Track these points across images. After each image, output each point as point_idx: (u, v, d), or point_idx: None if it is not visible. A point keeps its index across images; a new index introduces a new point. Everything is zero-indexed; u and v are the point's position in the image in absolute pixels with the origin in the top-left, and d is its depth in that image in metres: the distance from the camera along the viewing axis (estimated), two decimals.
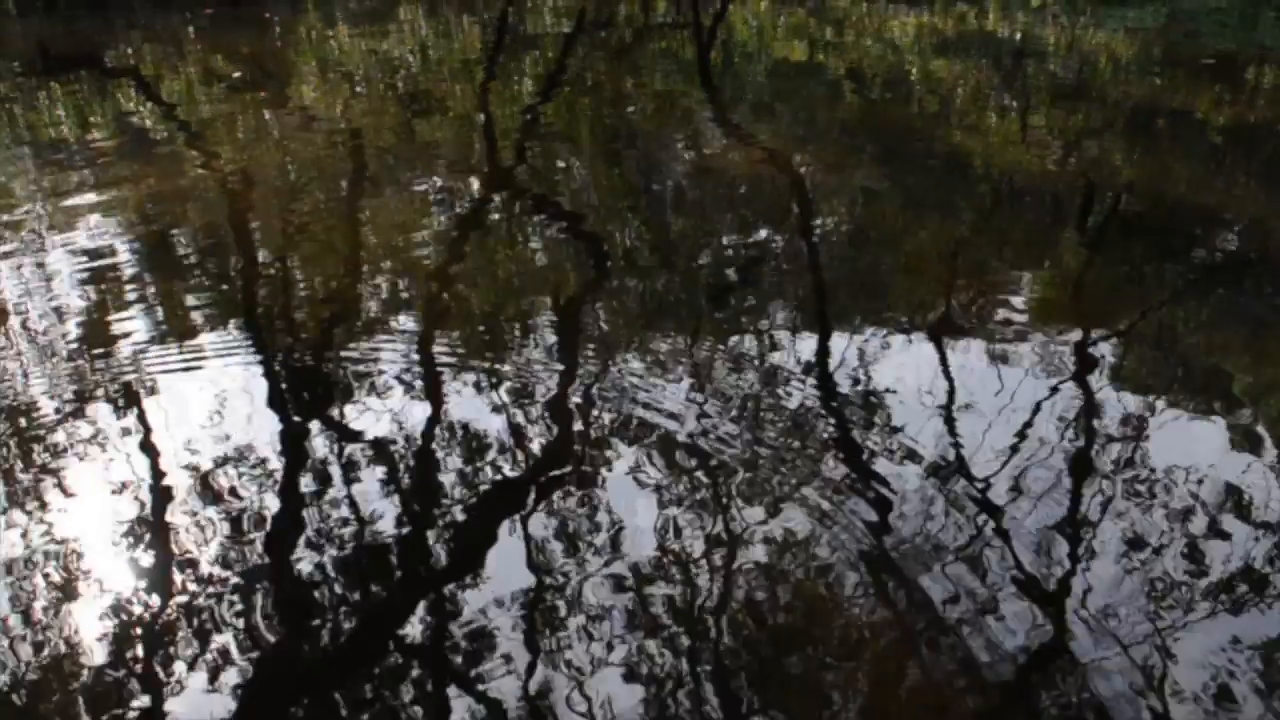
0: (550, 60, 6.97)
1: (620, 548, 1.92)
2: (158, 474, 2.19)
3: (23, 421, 2.41)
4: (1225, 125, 4.95)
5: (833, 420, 2.36)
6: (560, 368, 2.64)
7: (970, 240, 3.57)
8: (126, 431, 2.36)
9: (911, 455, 2.20)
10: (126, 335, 2.84)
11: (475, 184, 4.30)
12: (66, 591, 1.83)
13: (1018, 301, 2.99)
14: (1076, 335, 2.77)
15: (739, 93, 5.96)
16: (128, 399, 2.51)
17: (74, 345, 2.79)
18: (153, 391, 2.54)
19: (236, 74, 6.49)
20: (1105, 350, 2.69)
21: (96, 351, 2.75)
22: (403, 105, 5.63)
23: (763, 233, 3.61)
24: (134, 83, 6.38)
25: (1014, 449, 2.21)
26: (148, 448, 2.30)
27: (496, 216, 3.94)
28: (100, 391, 2.54)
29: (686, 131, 5.12)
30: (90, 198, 4.02)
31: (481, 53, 7.39)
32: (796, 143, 4.85)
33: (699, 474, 2.14)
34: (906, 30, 7.61)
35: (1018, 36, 7.34)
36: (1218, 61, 6.77)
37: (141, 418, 2.42)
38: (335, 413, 2.43)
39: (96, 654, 1.67)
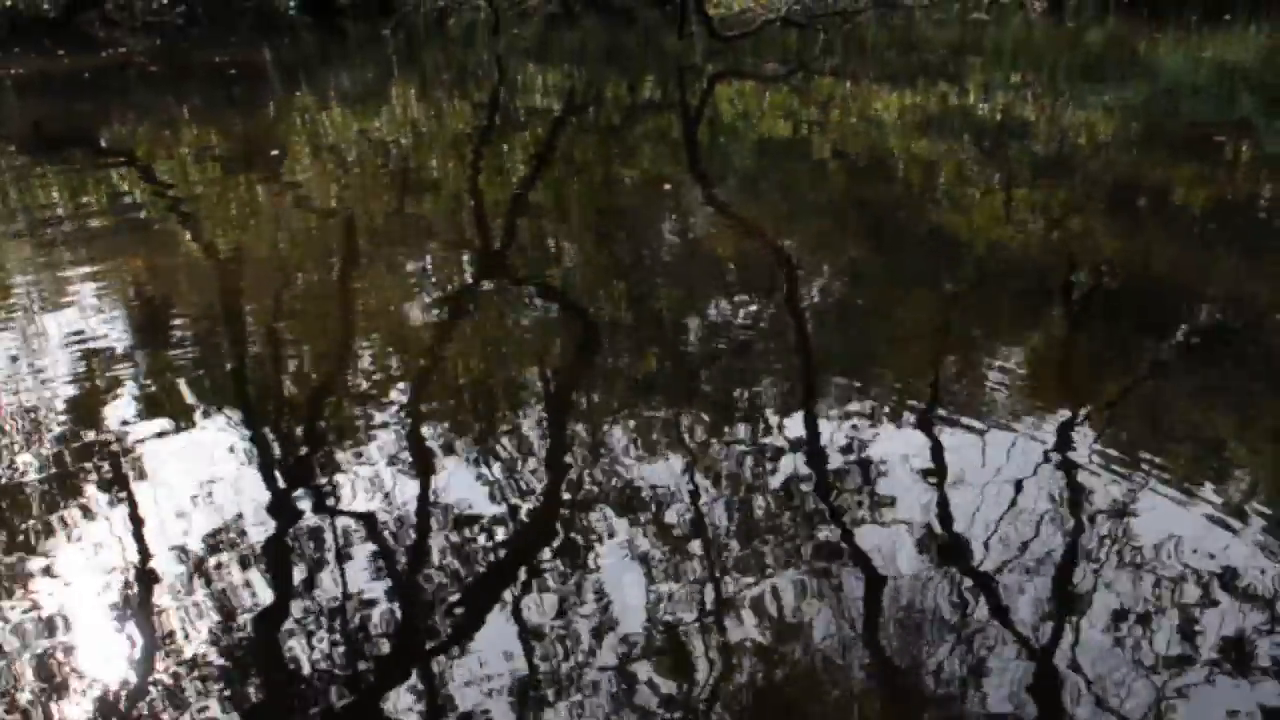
0: (540, 139, 7.10)
1: (609, 624, 1.89)
2: (144, 550, 2.17)
3: (7, 497, 2.38)
4: (1205, 200, 5.05)
5: (821, 495, 2.36)
6: (548, 443, 2.64)
7: (955, 315, 3.61)
8: (113, 506, 2.33)
9: (901, 529, 2.19)
10: (115, 410, 2.83)
11: (464, 261, 4.34)
12: (48, 672, 1.79)
13: (1004, 376, 3.01)
14: (1063, 409, 2.79)
15: (725, 170, 6.06)
16: (115, 474, 2.49)
17: (62, 420, 2.78)
18: (140, 466, 2.52)
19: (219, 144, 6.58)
20: (1092, 424, 2.70)
21: (84, 426, 2.74)
22: (393, 184, 5.71)
23: (750, 308, 3.65)
24: (127, 161, 6.46)
25: (1003, 523, 2.21)
26: (134, 523, 2.28)
27: (485, 293, 3.96)
28: (87, 466, 2.52)
29: (674, 209, 5.19)
30: (81, 275, 4.04)
31: (472, 132, 7.52)
32: (783, 219, 4.92)
33: (688, 549, 2.13)
34: (889, 108, 7.78)
35: (998, 114, 7.51)
36: (1197, 136, 6.93)
37: (128, 493, 2.40)
38: (323, 488, 2.41)
39: None
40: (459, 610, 1.96)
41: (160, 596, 2.01)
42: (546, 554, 2.14)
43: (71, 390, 2.99)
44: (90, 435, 2.70)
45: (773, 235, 4.69)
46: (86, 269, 4.12)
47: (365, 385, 3.02)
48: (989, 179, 5.63)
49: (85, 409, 2.86)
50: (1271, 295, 3.68)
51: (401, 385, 3.01)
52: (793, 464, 2.49)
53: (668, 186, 5.67)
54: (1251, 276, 3.91)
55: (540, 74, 10.84)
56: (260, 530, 2.24)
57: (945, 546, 2.13)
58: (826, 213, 5.06)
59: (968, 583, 2.01)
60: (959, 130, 6.95)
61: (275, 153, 6.71)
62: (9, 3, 12.95)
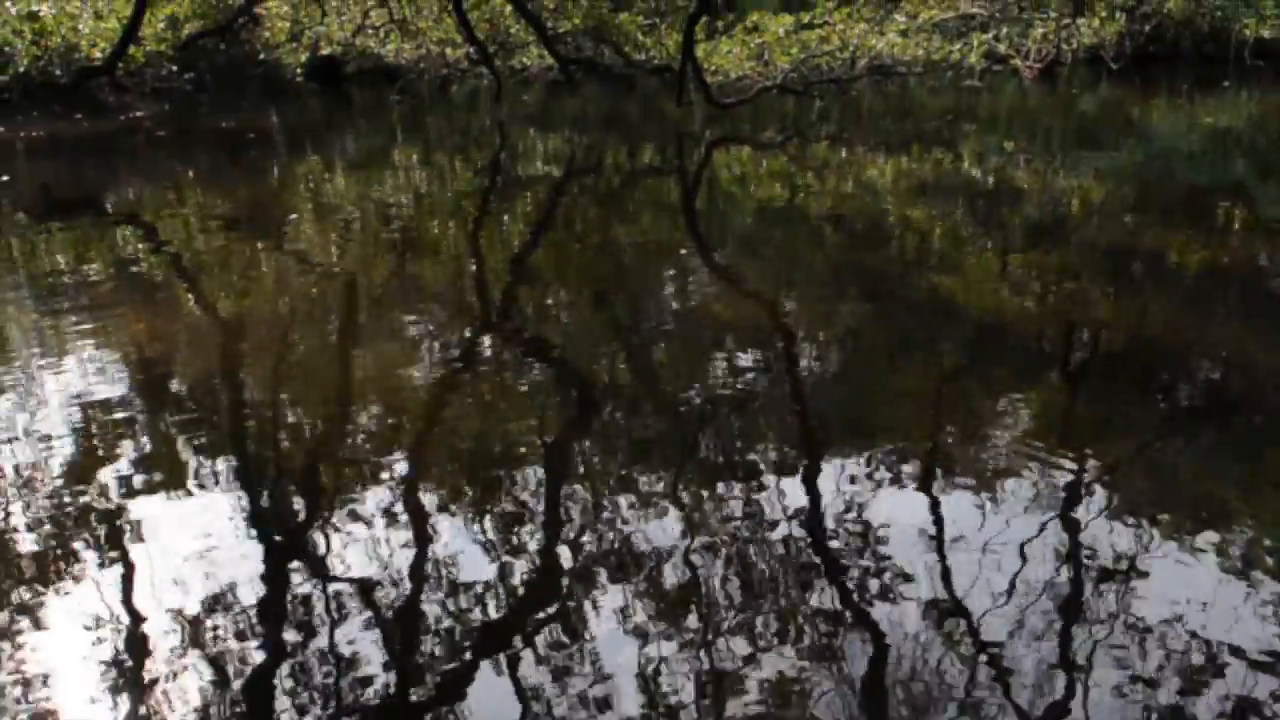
0: (540, 203, 7.18)
1: (607, 693, 1.87)
2: (135, 614, 2.14)
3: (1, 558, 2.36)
4: (1202, 264, 5.09)
5: (822, 558, 2.34)
6: (545, 507, 2.62)
7: (954, 378, 3.62)
8: (105, 568, 2.31)
9: (903, 593, 2.17)
10: (110, 471, 2.82)
11: (464, 324, 4.36)
12: None
13: (1005, 438, 3.01)
14: (1066, 471, 2.78)
15: (724, 234, 6.12)
16: (108, 536, 2.47)
17: (57, 480, 2.77)
18: (134, 529, 2.51)
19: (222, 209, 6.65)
20: (1095, 486, 2.69)
21: (78, 487, 2.72)
22: (395, 247, 5.76)
23: (749, 370, 3.66)
24: (132, 224, 6.52)
25: (1007, 586, 2.19)
26: (125, 585, 2.25)
27: (484, 355, 3.98)
28: (80, 528, 2.50)
29: (673, 272, 5.23)
30: (83, 336, 4.05)
31: (473, 196, 7.61)
32: (780, 282, 4.96)
33: (685, 617, 2.11)
34: (884, 174, 7.89)
35: (993, 179, 7.61)
36: (1193, 200, 7.01)
37: (121, 554, 2.38)
38: (319, 551, 2.40)
39: None
40: (452, 676, 1.93)
41: (152, 661, 1.98)
42: (542, 621, 2.11)
43: (68, 451, 2.98)
44: (84, 496, 2.69)
45: (770, 298, 4.72)
46: (88, 330, 4.14)
47: (362, 448, 3.02)
48: (985, 243, 5.69)
49: (81, 470, 2.85)
50: (1270, 358, 3.70)
51: (399, 448, 3.01)
52: (792, 528, 2.47)
53: (666, 250, 5.72)
54: (1249, 339, 3.93)
55: (541, 140, 10.99)
56: (254, 594, 2.22)
57: (948, 611, 2.11)
58: (824, 276, 5.10)
59: (971, 648, 1.98)
60: (955, 195, 7.03)
61: (279, 216, 6.79)
62: (21, 69, 13.18)
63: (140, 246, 5.84)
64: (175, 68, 13.94)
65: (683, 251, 5.71)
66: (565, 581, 2.25)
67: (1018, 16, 16.76)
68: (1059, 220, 6.21)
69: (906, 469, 2.81)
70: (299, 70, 15.66)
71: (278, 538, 2.50)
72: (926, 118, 12.05)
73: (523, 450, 2.98)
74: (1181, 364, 3.71)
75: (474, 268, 5.39)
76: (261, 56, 15.26)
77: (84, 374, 3.61)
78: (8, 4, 13.65)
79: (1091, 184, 7.40)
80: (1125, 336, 4.01)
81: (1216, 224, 6.12)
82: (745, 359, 3.79)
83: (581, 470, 2.86)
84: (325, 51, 15.84)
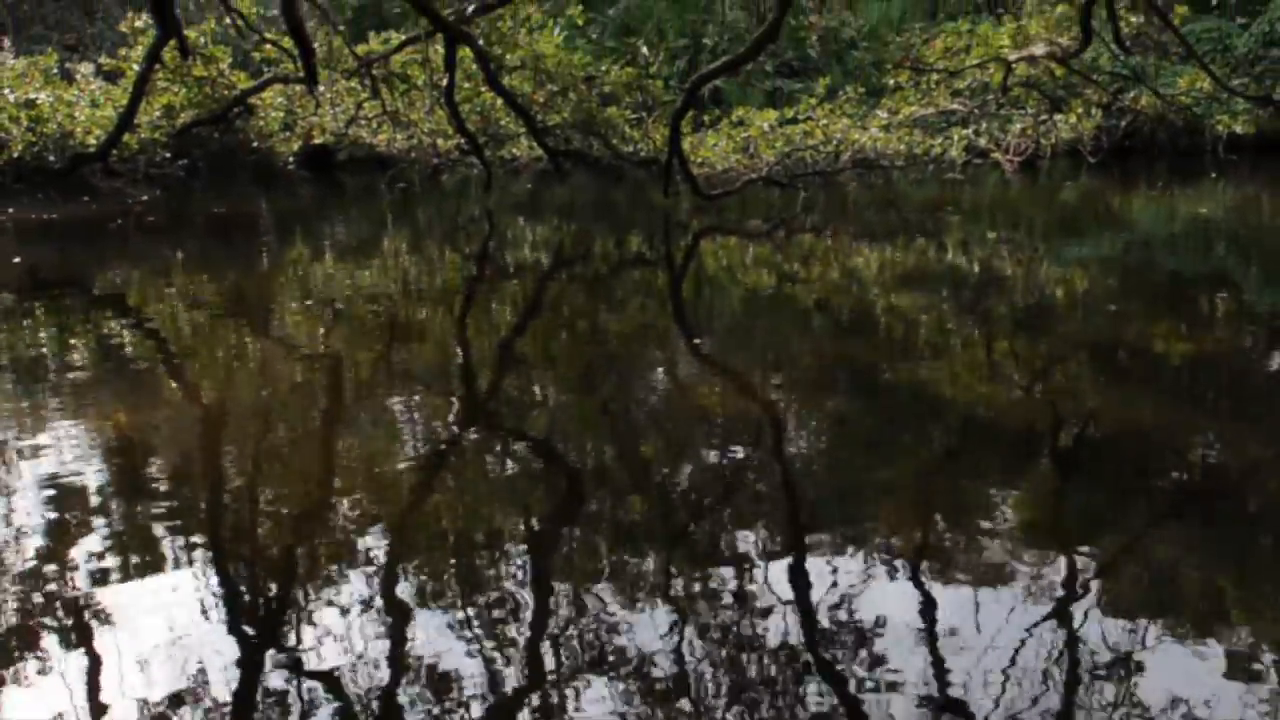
0: (528, 291, 7.21)
1: None
2: (101, 706, 2.05)
3: None
4: (1187, 353, 5.12)
5: (812, 653, 2.27)
6: (527, 597, 2.55)
7: (943, 469, 3.58)
8: (73, 658, 2.22)
9: (895, 689, 2.10)
10: (81, 559, 2.74)
11: (449, 411, 4.32)
12: None
13: (996, 529, 2.96)
14: (1059, 564, 2.73)
15: (710, 323, 6.14)
16: (77, 625, 2.38)
17: (26, 567, 2.68)
18: (104, 618, 2.42)
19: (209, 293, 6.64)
20: (1090, 579, 2.64)
21: (49, 575, 2.63)
22: (380, 334, 5.75)
23: (736, 461, 3.61)
24: (118, 308, 6.50)
25: (1001, 682, 2.12)
26: (94, 676, 2.16)
27: (469, 443, 3.93)
28: (49, 616, 2.41)
29: (659, 360, 5.22)
30: (61, 421, 3.99)
31: (461, 283, 7.64)
32: (767, 371, 4.95)
33: (673, 713, 2.03)
34: (869, 264, 7.97)
35: (976, 269, 7.70)
36: (1175, 288, 7.10)
37: (90, 645, 2.29)
38: (293, 644, 2.31)
39: None
40: None
41: None
42: (524, 717, 2.03)
43: (38, 536, 2.90)
44: (53, 583, 2.60)
45: (757, 386, 4.71)
46: (66, 414, 4.08)
47: (341, 536, 2.94)
48: (971, 332, 5.71)
49: (50, 556, 2.77)
50: (1259, 447, 3.68)
51: (379, 537, 2.93)
52: (781, 622, 2.40)
53: (653, 338, 5.73)
54: (1238, 428, 3.92)
55: (530, 228, 11.12)
56: (226, 686, 2.12)
57: (941, 707, 2.03)
58: (810, 364, 5.10)
59: None
60: (940, 284, 7.09)
61: (265, 301, 6.78)
62: (15, 154, 13.32)
63: (124, 330, 5.81)
64: (169, 154, 14.11)
65: (669, 339, 5.71)
66: (549, 675, 2.17)
67: (996, 113, 17.23)
68: (1044, 309, 6.26)
69: (897, 562, 2.75)
70: (290, 158, 15.89)
71: (251, 628, 2.41)
72: (910, 209, 12.26)
73: (506, 539, 2.91)
74: (1171, 454, 3.68)
75: (460, 354, 5.37)
76: (255, 144, 15.48)
77: (59, 459, 3.53)
78: (6, 91, 13.85)
79: (1075, 272, 7.49)
80: (1113, 426, 4.00)
81: (1201, 312, 6.18)
82: (732, 447, 3.75)
83: (565, 561, 2.79)
84: (318, 141, 16.11)
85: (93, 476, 3.39)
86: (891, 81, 16.87)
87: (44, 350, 5.26)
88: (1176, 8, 13.36)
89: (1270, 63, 19.11)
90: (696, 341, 5.61)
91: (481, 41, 12.07)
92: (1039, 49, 13.70)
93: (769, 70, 21.81)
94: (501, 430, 4.04)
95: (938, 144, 15.63)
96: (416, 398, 4.46)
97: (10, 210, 11.51)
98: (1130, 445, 3.76)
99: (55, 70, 15.10)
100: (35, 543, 2.87)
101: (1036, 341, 5.45)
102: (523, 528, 3.02)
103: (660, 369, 5.02)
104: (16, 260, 8.32)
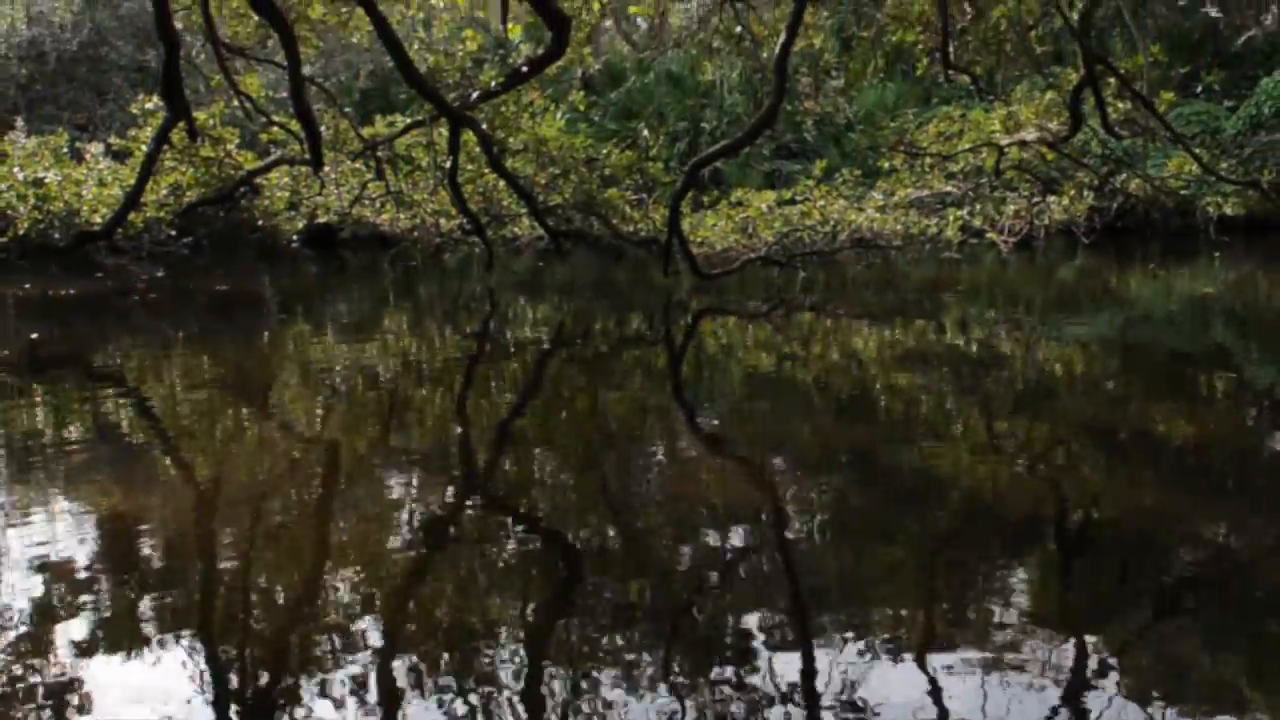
0: (528, 369, 7.21)
1: None
2: None
3: None
4: (1188, 432, 5.09)
5: None
6: (526, 686, 2.49)
7: (946, 552, 3.53)
8: None
9: None
10: (69, 640, 2.68)
11: (447, 493, 4.28)
12: None
13: (1001, 617, 2.90)
14: (1066, 649, 2.67)
15: (710, 403, 6.13)
16: (62, 709, 2.31)
17: (12, 651, 2.62)
18: (90, 701, 2.36)
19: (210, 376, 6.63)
20: (1096, 669, 2.58)
21: (35, 658, 2.57)
22: (379, 413, 5.73)
23: (737, 543, 3.57)
24: (116, 385, 6.50)
25: None
26: None
27: (466, 526, 3.89)
28: (34, 701, 2.35)
29: (659, 440, 5.20)
30: (54, 504, 3.95)
31: (461, 362, 7.65)
32: (767, 450, 4.92)
33: None
34: (868, 344, 7.99)
35: (975, 348, 7.71)
36: (1175, 366, 7.10)
37: None
38: None
39: None
40: None
41: None
42: None
43: (25, 620, 2.84)
44: (38, 668, 2.54)
45: (758, 467, 4.67)
46: (60, 495, 4.04)
47: (334, 621, 2.88)
48: (971, 413, 5.70)
49: (37, 640, 2.71)
50: (1265, 530, 3.63)
51: (373, 622, 2.88)
52: (786, 709, 2.34)
53: (653, 418, 5.71)
54: (1243, 510, 3.88)
55: (531, 307, 11.18)
56: None
57: None
58: (811, 445, 5.07)
59: None
60: (939, 364, 7.10)
61: (265, 380, 6.78)
62: (21, 231, 13.47)
63: (121, 409, 5.79)
64: (173, 232, 14.27)
65: (670, 419, 5.69)
66: None
67: (990, 194, 17.48)
68: (1044, 389, 6.25)
69: (902, 648, 2.69)
70: (294, 236, 16.06)
71: (240, 716, 2.34)
72: (909, 288, 12.35)
73: (502, 625, 2.86)
74: (1175, 537, 3.64)
75: (459, 434, 5.35)
76: (259, 223, 15.67)
77: (51, 541, 3.48)
78: (16, 170, 14.08)
79: (1074, 352, 7.50)
80: (1117, 509, 3.96)
81: (1202, 391, 6.18)
82: (732, 530, 3.70)
83: (563, 648, 2.73)
84: (322, 220, 16.31)
85: (83, 558, 3.34)
86: (887, 164, 17.16)
87: (40, 428, 5.24)
88: (1163, 94, 13.65)
89: (1259, 145, 19.47)
90: (696, 421, 5.59)
91: (485, 125, 12.30)
92: (1030, 134, 13.96)
93: (766, 153, 22.19)
94: (499, 512, 3.99)
95: (933, 224, 15.83)
96: (414, 478, 4.42)
97: (24, 287, 11.59)
98: (1134, 528, 3.72)
99: (65, 149, 15.36)
100: (22, 624, 2.81)
101: (1039, 422, 5.43)
102: (520, 613, 2.97)
103: (660, 449, 4.99)
104: (34, 336, 8.34)
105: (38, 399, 5.94)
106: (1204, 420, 5.36)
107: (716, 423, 5.55)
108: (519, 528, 3.77)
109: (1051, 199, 17.71)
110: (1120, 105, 13.17)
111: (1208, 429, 5.17)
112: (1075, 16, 10.10)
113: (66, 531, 3.59)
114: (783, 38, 10.07)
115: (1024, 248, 16.90)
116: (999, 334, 8.46)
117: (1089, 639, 2.73)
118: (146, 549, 3.51)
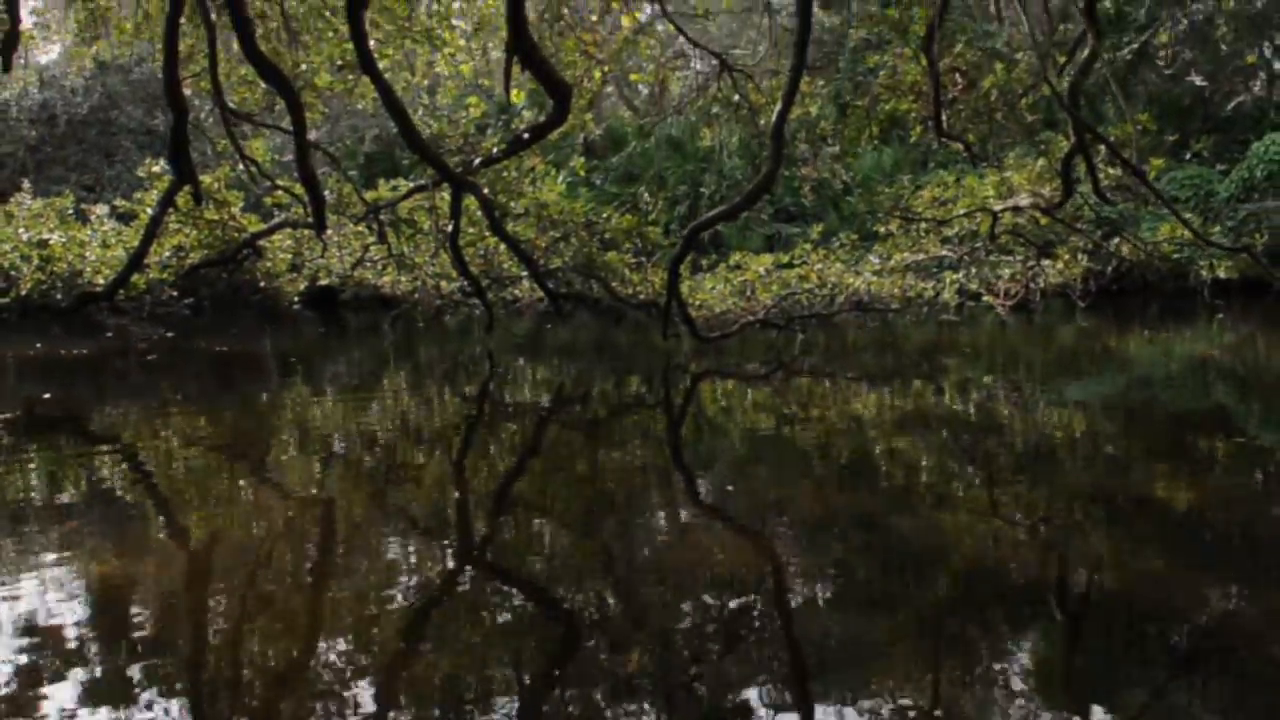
0: (527, 432, 7.19)
1: None
2: None
3: None
4: (1191, 498, 5.06)
5: None
6: None
7: (948, 620, 3.49)
8: None
9: None
10: (58, 709, 2.63)
11: (443, 556, 4.24)
12: None
13: (1006, 688, 2.86)
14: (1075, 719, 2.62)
15: (710, 467, 6.10)
16: None
17: (4, 715, 2.57)
18: None
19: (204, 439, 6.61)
20: None
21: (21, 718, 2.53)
22: (376, 476, 5.70)
23: (737, 610, 3.52)
24: (113, 447, 6.47)
25: None
26: None
27: (463, 590, 3.84)
28: None
29: (658, 504, 5.17)
30: (46, 570, 3.90)
31: (460, 425, 7.63)
32: (767, 517, 4.89)
33: None
34: (868, 407, 7.98)
35: (974, 412, 7.70)
36: (1177, 428, 7.08)
37: None
38: None
39: None
40: None
41: None
42: None
43: (11, 686, 2.79)
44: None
45: (757, 532, 4.63)
46: (52, 558, 4.00)
47: (329, 685, 2.84)
48: (972, 478, 5.67)
49: (23, 707, 2.66)
50: (1271, 600, 3.59)
51: (368, 687, 2.83)
52: None
53: (652, 481, 5.68)
54: (1248, 577, 3.83)
55: (530, 368, 11.20)
56: None
57: None
58: (811, 510, 5.03)
59: None
60: (939, 428, 7.08)
61: (263, 442, 6.76)
62: (24, 292, 13.55)
63: (117, 472, 5.76)
64: (175, 293, 14.35)
65: (669, 483, 5.66)
66: None
67: (986, 258, 17.62)
68: (1045, 453, 6.23)
69: (906, 716, 2.64)
70: (296, 299, 16.15)
71: None
72: (908, 351, 12.38)
73: (499, 693, 2.81)
74: (1181, 606, 3.59)
75: (456, 498, 5.32)
76: (261, 284, 15.77)
77: (42, 604, 3.44)
78: (21, 231, 14.21)
79: (1075, 414, 7.49)
80: (1120, 578, 3.91)
81: (1203, 454, 6.15)
82: (732, 596, 3.66)
83: (561, 716, 2.68)
84: (324, 282, 16.42)
85: (74, 623, 3.30)
86: (883, 229, 17.33)
87: (34, 490, 5.21)
88: (1152, 160, 13.84)
89: (1252, 207, 19.69)
90: (696, 486, 5.56)
91: (487, 189, 12.45)
92: (1023, 200, 14.12)
93: (764, 218, 22.43)
94: (496, 578, 3.95)
95: (931, 287, 15.93)
96: (409, 543, 4.38)
97: (36, 346, 11.61)
98: (1139, 597, 3.67)
99: (71, 210, 15.52)
100: (9, 689, 2.76)
101: (1040, 487, 5.39)
102: (516, 681, 2.92)
103: (659, 514, 4.96)
104: (47, 396, 8.33)
105: (33, 460, 5.91)
106: (1208, 485, 5.33)
107: (716, 487, 5.52)
108: (516, 594, 3.72)
109: (1047, 263, 17.85)
110: (1111, 171, 13.34)
111: (1212, 494, 5.14)
112: (1064, 85, 10.27)
113: (57, 596, 3.54)
114: (779, 106, 10.23)
115: (1022, 309, 16.98)
116: (999, 396, 8.46)
117: (1095, 709, 2.68)
118: (138, 614, 3.46)
